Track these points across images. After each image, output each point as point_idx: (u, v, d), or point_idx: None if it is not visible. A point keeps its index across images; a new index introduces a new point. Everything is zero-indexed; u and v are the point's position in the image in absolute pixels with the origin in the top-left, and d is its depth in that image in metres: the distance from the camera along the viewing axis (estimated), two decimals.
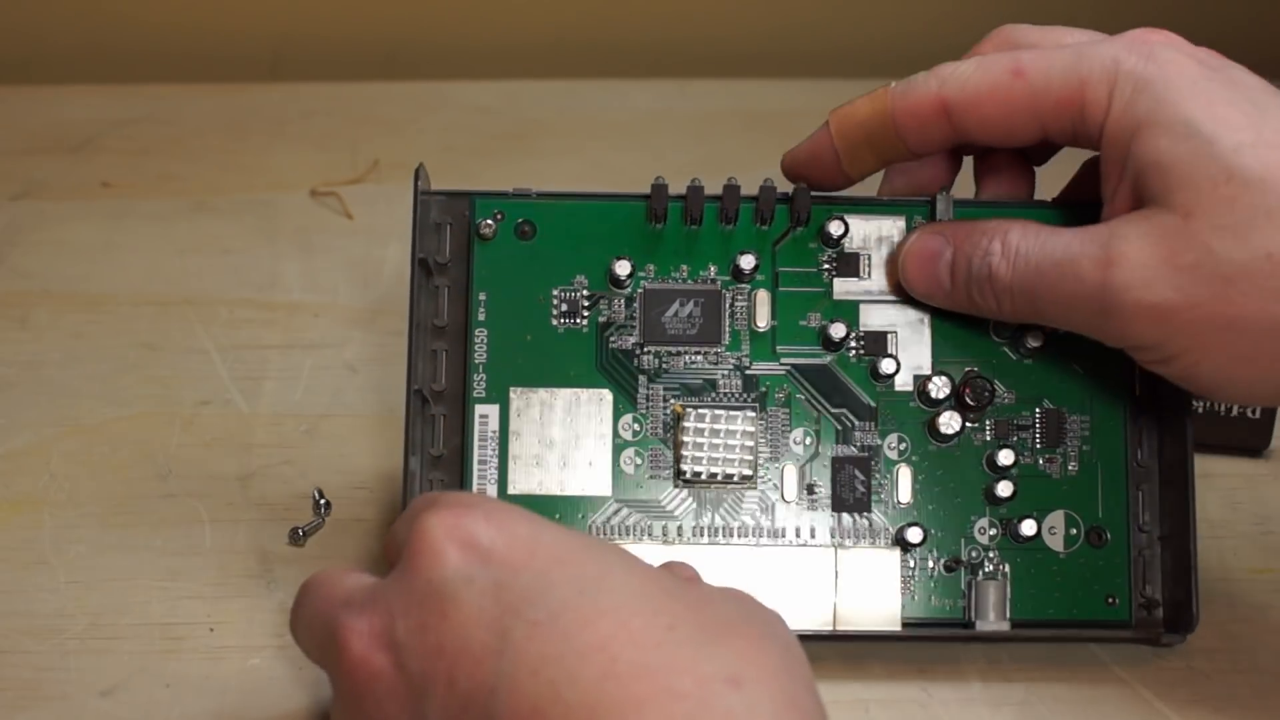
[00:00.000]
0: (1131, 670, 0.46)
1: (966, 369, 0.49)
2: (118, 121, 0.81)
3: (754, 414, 0.49)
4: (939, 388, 0.48)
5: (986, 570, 0.47)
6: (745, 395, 0.49)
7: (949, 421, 0.48)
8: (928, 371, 0.49)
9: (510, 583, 0.36)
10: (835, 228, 0.49)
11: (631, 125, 0.83)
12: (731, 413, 0.48)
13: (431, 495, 0.40)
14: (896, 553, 0.47)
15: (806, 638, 0.45)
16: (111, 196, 0.74)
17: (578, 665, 0.35)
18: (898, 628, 0.47)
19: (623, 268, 0.49)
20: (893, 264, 0.49)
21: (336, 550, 0.50)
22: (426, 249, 0.49)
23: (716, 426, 0.48)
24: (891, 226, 0.50)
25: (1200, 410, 0.55)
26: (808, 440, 0.49)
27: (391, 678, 0.37)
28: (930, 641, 0.47)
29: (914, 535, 0.47)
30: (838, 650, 0.46)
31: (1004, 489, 0.48)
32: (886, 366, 0.48)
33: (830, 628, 0.46)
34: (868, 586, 0.47)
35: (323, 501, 0.52)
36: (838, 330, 0.49)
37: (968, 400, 0.48)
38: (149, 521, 0.52)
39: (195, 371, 0.60)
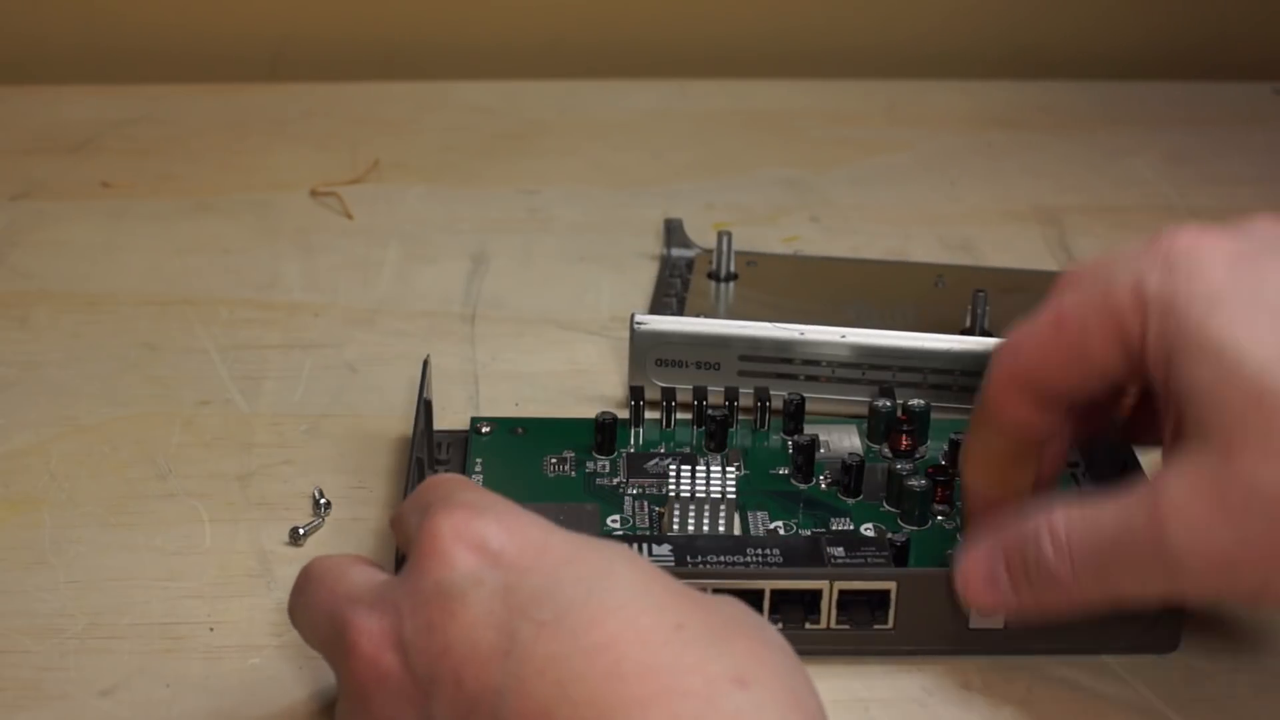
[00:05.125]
0: (1131, 669, 0.46)
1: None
2: (118, 121, 0.81)
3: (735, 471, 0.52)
4: None
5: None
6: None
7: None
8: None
9: (518, 585, 0.36)
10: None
11: (631, 125, 0.83)
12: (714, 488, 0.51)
13: (444, 486, 0.40)
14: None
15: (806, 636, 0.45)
16: (111, 196, 0.74)
17: (584, 665, 0.35)
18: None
19: (602, 465, 0.53)
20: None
21: (336, 550, 0.50)
22: (424, 449, 0.52)
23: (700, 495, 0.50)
24: None
25: None
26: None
27: (399, 677, 0.37)
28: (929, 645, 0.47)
29: None
30: (838, 650, 0.46)
31: None
32: None
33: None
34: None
35: (323, 501, 0.52)
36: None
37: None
38: (149, 521, 0.52)
39: (195, 371, 0.60)
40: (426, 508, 0.39)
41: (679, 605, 0.36)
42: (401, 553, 0.41)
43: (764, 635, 0.37)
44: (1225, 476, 0.40)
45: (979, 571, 0.44)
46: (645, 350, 0.57)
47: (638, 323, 0.57)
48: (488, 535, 0.37)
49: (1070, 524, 0.42)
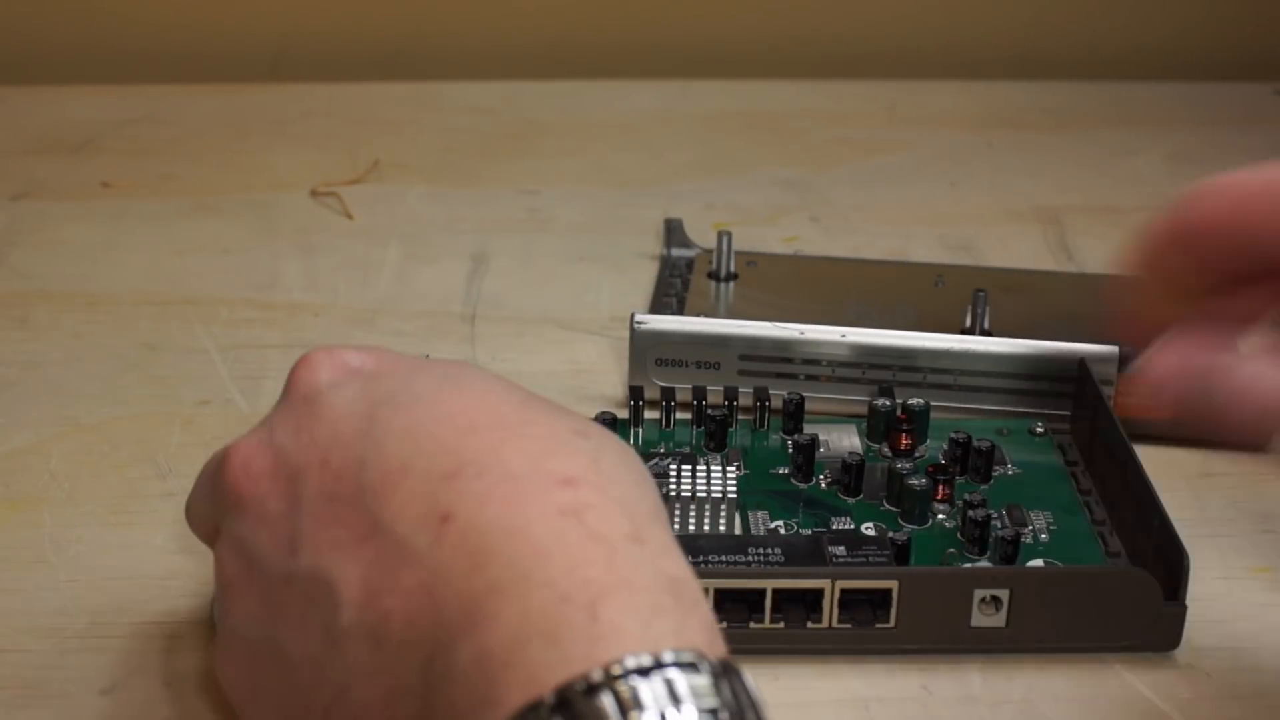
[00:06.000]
0: (1132, 668, 0.46)
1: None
2: (118, 121, 0.81)
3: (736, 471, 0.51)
4: None
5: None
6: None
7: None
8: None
9: (376, 385, 0.39)
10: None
11: (632, 125, 0.83)
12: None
13: None
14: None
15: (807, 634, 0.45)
16: (111, 196, 0.74)
17: (439, 427, 0.37)
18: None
19: None
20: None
21: None
22: None
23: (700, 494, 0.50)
24: None
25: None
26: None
27: (270, 476, 0.39)
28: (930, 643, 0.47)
29: None
30: (839, 649, 0.46)
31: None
32: None
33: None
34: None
35: None
36: None
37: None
38: (149, 521, 0.52)
39: (195, 371, 0.60)
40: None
41: (526, 393, 0.39)
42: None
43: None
44: None
45: (1166, 373, 0.43)
46: (645, 350, 0.57)
47: (638, 322, 0.57)
48: (348, 357, 0.41)
49: (1257, 379, 0.42)
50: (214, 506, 0.41)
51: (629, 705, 0.31)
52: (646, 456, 0.53)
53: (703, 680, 0.32)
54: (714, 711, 0.31)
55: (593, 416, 0.53)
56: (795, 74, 0.89)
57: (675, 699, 0.31)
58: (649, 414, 0.55)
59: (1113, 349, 0.56)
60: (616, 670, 0.32)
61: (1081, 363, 0.56)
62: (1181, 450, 0.56)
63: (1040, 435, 0.55)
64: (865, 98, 0.87)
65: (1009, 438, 0.55)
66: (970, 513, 0.49)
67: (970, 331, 0.59)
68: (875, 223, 0.73)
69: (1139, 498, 0.49)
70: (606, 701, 0.31)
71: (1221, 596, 0.49)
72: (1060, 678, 0.46)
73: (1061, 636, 0.46)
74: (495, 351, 0.62)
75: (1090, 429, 0.54)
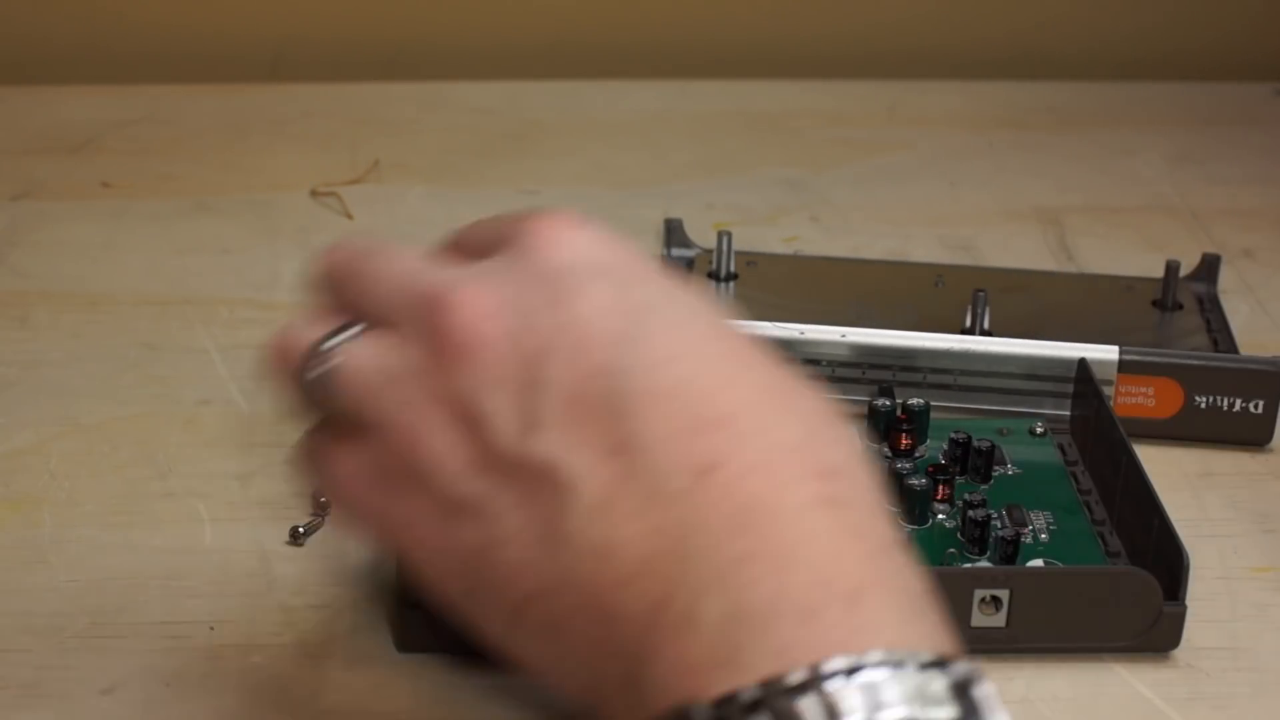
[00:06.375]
0: (1132, 668, 0.46)
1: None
2: (118, 121, 0.81)
3: None
4: None
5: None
6: None
7: None
8: None
9: (634, 288, 0.36)
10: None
11: (631, 125, 0.83)
12: None
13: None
14: None
15: None
16: (111, 196, 0.74)
17: (705, 365, 0.35)
18: None
19: None
20: None
21: (337, 549, 0.50)
22: None
23: None
24: None
25: (1203, 405, 0.56)
26: None
27: (510, 339, 0.35)
28: None
29: None
30: None
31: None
32: None
33: None
34: None
35: (323, 500, 0.52)
36: None
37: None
38: (149, 521, 0.52)
39: (195, 371, 0.60)
40: (505, 219, 0.39)
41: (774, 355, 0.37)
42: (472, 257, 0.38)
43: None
44: None
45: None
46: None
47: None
48: (595, 242, 0.37)
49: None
50: (391, 343, 0.37)
51: (879, 699, 0.30)
52: None
53: (945, 684, 0.31)
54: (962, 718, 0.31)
55: None
56: (795, 74, 0.89)
57: (924, 699, 0.31)
58: None
59: (1113, 349, 0.57)
60: (872, 659, 0.31)
61: (1081, 363, 0.56)
62: (1181, 450, 0.56)
63: (1040, 435, 0.55)
64: (865, 98, 0.87)
65: (1009, 438, 0.55)
66: (970, 513, 0.49)
67: (970, 332, 0.59)
68: (875, 223, 0.73)
69: (1139, 498, 0.49)
70: (851, 691, 0.30)
71: (1221, 596, 0.49)
72: (1060, 678, 0.46)
73: (1061, 636, 0.46)
74: None
75: (1090, 429, 0.54)
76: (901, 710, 0.30)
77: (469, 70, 0.88)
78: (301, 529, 0.51)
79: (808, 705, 0.30)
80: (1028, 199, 0.76)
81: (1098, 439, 0.53)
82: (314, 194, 0.74)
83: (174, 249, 0.69)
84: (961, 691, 0.31)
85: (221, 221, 0.72)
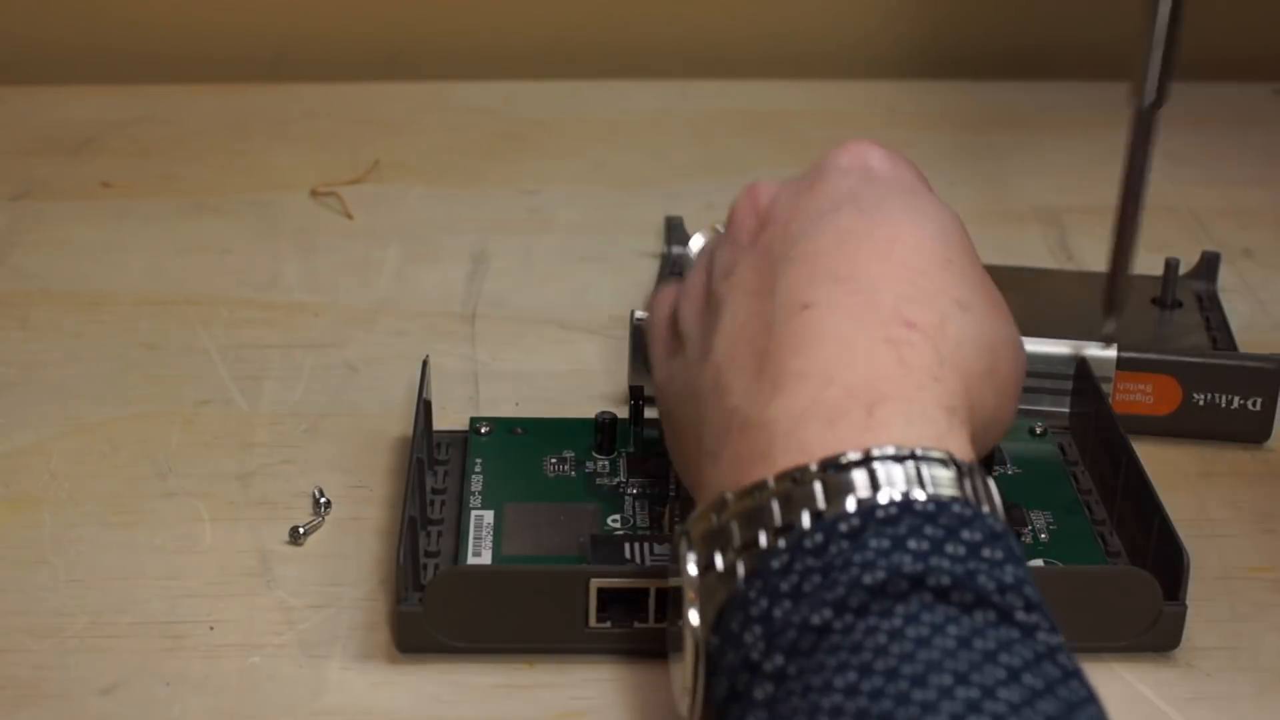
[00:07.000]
0: (1132, 668, 0.46)
1: None
2: (118, 121, 0.81)
3: None
4: None
5: None
6: None
7: None
8: None
9: (863, 187, 0.45)
10: None
11: (632, 125, 0.83)
12: None
13: None
14: None
15: None
16: (111, 196, 0.74)
17: (862, 244, 0.43)
18: None
19: (603, 465, 0.53)
20: None
21: (337, 549, 0.50)
22: (424, 449, 0.51)
23: None
24: None
25: (1202, 403, 0.56)
26: None
27: (753, 217, 0.46)
28: None
29: None
30: None
31: None
32: None
33: None
34: None
35: (323, 500, 0.52)
36: None
37: None
38: (149, 521, 0.52)
39: (195, 371, 0.60)
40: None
41: (962, 246, 0.48)
42: None
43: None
44: None
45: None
46: (645, 349, 0.57)
47: (638, 321, 0.57)
48: (872, 157, 0.47)
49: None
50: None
51: (879, 480, 0.37)
52: (646, 455, 0.53)
53: (948, 474, 0.38)
54: (953, 500, 0.37)
55: (593, 416, 0.53)
56: (795, 74, 0.89)
57: (920, 482, 0.37)
58: (649, 414, 0.55)
59: (1112, 349, 0.57)
60: (875, 453, 0.38)
61: (1081, 362, 0.56)
62: (1181, 450, 0.56)
63: (1040, 435, 0.55)
64: (865, 98, 0.87)
65: (1009, 437, 0.55)
66: None
67: None
68: None
69: (1139, 497, 0.49)
70: (859, 476, 0.38)
71: (1221, 596, 0.49)
72: None
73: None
74: (495, 351, 0.62)
75: (1090, 428, 0.54)
76: (901, 488, 0.37)
77: (469, 70, 0.88)
78: (301, 529, 0.51)
79: (817, 486, 0.38)
80: (1028, 199, 0.76)
81: (1097, 438, 0.53)
82: (314, 194, 0.74)
83: (174, 249, 0.69)
84: (959, 481, 0.38)
85: (222, 221, 0.72)
